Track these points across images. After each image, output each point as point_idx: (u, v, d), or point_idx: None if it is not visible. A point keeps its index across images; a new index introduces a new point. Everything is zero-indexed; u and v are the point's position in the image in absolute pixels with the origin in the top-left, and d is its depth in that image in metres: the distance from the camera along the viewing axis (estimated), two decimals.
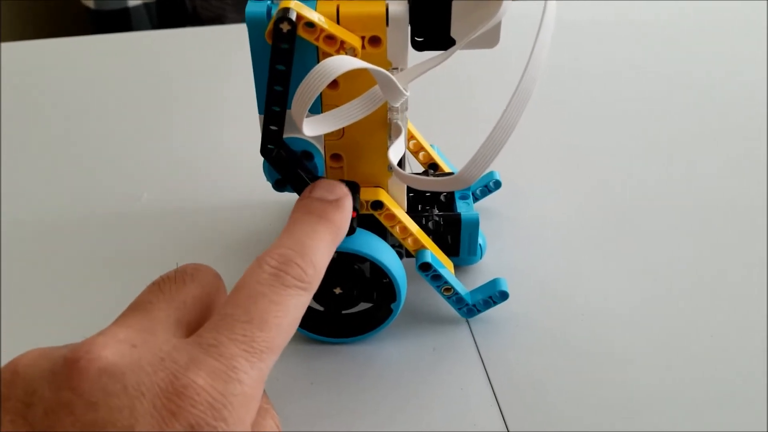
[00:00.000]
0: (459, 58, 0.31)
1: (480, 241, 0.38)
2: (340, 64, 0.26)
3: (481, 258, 0.39)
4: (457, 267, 0.39)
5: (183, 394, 0.19)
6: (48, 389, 0.19)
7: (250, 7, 0.29)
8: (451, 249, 0.37)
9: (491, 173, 0.42)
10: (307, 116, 0.28)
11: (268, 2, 0.29)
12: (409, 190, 0.39)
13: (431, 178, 0.28)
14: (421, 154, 0.40)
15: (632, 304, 0.36)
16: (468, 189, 0.39)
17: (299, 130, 0.28)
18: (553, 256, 0.39)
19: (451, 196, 0.39)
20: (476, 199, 0.43)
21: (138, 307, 0.22)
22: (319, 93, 0.27)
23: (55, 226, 0.43)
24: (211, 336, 0.20)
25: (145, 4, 1.22)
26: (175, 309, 0.22)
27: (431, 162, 0.40)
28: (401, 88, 0.28)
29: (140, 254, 0.40)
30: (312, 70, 0.27)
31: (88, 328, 0.23)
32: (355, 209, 0.31)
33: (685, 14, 0.65)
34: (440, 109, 0.52)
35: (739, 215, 0.42)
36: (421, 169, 0.41)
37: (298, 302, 0.22)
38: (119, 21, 1.21)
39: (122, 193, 0.45)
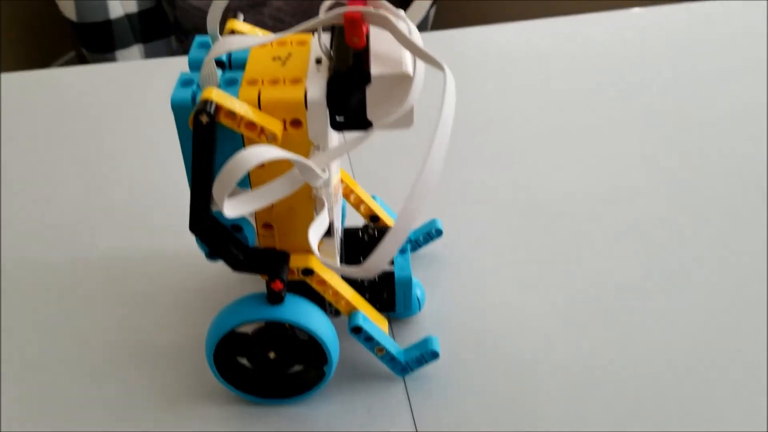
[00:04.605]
0: None
1: (418, 293, 0.39)
2: (255, 155, 0.28)
3: (420, 310, 0.40)
4: (395, 320, 0.40)
5: None
6: None
7: (176, 93, 0.30)
8: (387, 304, 0.38)
9: (433, 221, 0.44)
10: (231, 195, 0.30)
11: (194, 88, 0.31)
12: (351, 240, 0.40)
13: (340, 266, 0.29)
14: (362, 207, 0.41)
15: (573, 359, 0.38)
16: (407, 240, 0.40)
17: (221, 213, 0.29)
18: (493, 308, 0.41)
19: None
20: (419, 245, 0.44)
21: None
22: (237, 182, 0.28)
23: (6, 274, 0.44)
24: None
25: (127, 16, 1.22)
26: None
27: (372, 214, 0.41)
28: (318, 171, 0.29)
29: (95, 305, 0.42)
30: (229, 161, 0.28)
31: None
32: (281, 280, 0.32)
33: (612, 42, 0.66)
34: (383, 159, 0.51)
35: (683, 256, 0.43)
36: (363, 222, 0.42)
37: None
38: (102, 33, 1.21)
39: (77, 240, 0.46)
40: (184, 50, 1.26)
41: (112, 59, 1.24)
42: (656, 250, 0.44)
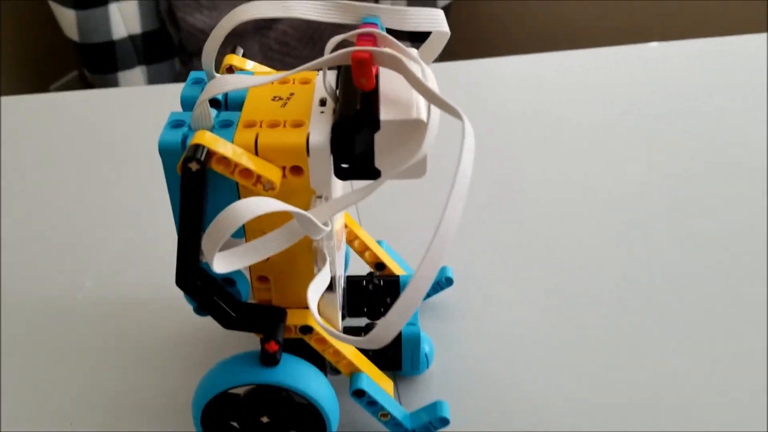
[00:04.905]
0: None
1: (426, 348, 0.37)
2: (249, 209, 0.25)
3: (428, 367, 0.37)
4: (400, 378, 0.37)
5: None
6: None
7: (164, 136, 0.28)
8: (393, 362, 0.35)
9: (443, 269, 0.41)
10: (223, 247, 0.27)
11: (185, 130, 0.28)
12: (355, 290, 0.38)
13: (345, 335, 0.26)
14: (366, 254, 0.38)
15: (598, 426, 0.35)
16: None
17: (211, 268, 0.26)
18: (506, 364, 0.38)
19: (396, 299, 0.37)
20: (428, 295, 0.41)
21: None
22: (228, 236, 0.25)
23: None
24: None
25: (131, 37, 1.21)
26: None
27: (377, 261, 0.39)
28: (320, 224, 0.27)
29: (84, 354, 0.39)
30: (221, 214, 0.25)
31: None
32: (276, 341, 0.29)
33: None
34: (390, 201, 0.46)
35: (697, 311, 0.40)
36: (368, 269, 0.39)
37: None
38: (105, 54, 1.20)
39: (64, 276, 0.44)
40: (187, 73, 1.24)
41: (114, 80, 1.22)
42: (682, 298, 0.41)
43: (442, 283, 0.40)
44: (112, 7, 1.17)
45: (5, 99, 0.61)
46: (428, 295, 0.41)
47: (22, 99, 0.62)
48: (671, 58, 0.62)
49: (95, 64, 1.22)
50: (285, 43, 1.21)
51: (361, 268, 0.39)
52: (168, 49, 1.27)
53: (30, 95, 0.63)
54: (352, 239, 0.38)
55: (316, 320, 0.26)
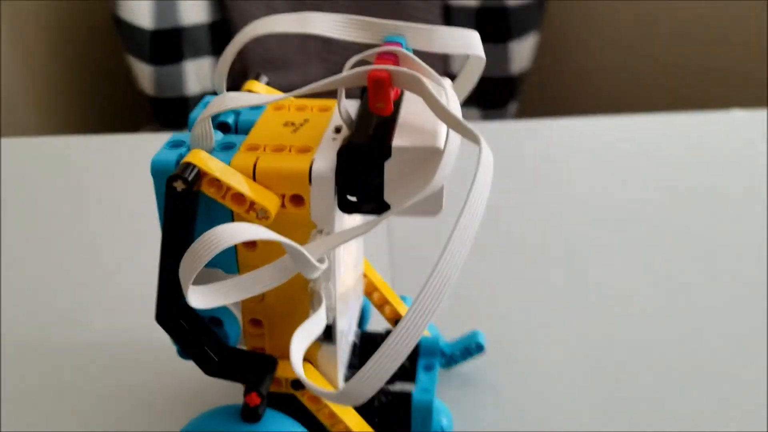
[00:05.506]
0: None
1: (443, 421, 0.32)
2: (231, 234, 0.22)
3: None
4: None
5: None
6: None
7: (159, 155, 0.25)
8: None
9: (474, 334, 0.36)
10: (208, 280, 0.24)
11: (182, 150, 0.26)
12: (368, 347, 0.34)
13: (315, 386, 0.22)
14: (386, 308, 0.35)
15: None
16: (433, 356, 0.33)
17: (186, 300, 0.23)
18: None
19: (413, 361, 0.33)
20: (454, 362, 0.37)
21: None
22: (204, 264, 0.22)
23: None
24: None
25: (204, 94, 1.24)
26: None
27: (398, 318, 0.35)
28: (314, 261, 0.23)
29: (90, 401, 0.36)
30: (199, 238, 0.22)
31: None
32: (259, 394, 0.26)
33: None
34: (415, 252, 0.44)
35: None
36: (387, 325, 0.35)
37: None
38: (178, 109, 1.23)
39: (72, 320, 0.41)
40: None
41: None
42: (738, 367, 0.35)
43: (472, 349, 0.36)
44: (188, 64, 1.21)
45: (5, 141, 0.58)
46: (455, 362, 0.37)
47: (23, 141, 0.60)
48: (756, 125, 0.57)
49: (168, 118, 1.26)
50: None
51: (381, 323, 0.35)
52: None
53: (30, 137, 0.61)
54: (371, 291, 0.35)
55: (293, 368, 0.22)
